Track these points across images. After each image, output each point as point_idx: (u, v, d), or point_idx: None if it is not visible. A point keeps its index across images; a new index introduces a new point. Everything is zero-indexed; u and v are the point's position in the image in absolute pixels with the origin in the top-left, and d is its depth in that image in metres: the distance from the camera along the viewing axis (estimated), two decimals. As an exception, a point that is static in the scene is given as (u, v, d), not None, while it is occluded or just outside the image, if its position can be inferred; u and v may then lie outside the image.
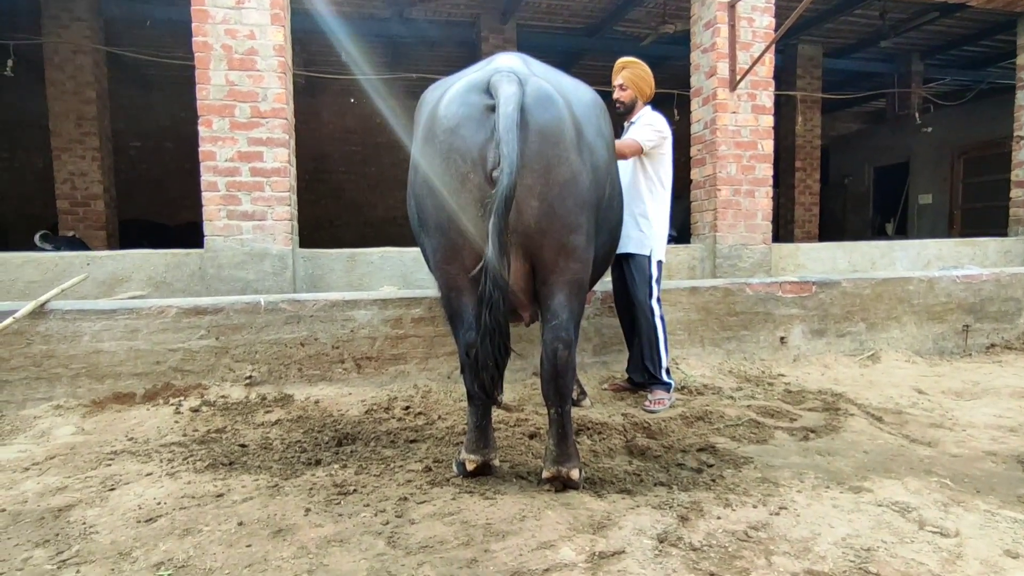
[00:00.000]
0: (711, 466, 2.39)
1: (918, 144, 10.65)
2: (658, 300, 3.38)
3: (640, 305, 3.33)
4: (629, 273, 3.38)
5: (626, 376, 3.61)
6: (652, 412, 3.11)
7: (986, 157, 9.81)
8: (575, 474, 2.08)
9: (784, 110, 9.62)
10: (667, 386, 3.33)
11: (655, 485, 2.20)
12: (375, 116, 11.66)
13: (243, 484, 2.12)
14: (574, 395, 3.18)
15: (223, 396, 3.12)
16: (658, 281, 3.38)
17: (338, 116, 11.46)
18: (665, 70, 8.88)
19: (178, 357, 3.13)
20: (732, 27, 4.77)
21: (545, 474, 2.11)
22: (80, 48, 6.48)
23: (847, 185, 12.26)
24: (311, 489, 2.09)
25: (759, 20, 4.93)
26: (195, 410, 2.94)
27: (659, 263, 3.38)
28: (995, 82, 10.30)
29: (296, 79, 9.67)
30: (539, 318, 2.29)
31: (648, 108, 3.44)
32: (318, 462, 2.37)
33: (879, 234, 11.26)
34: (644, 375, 3.36)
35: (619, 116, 3.44)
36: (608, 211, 2.32)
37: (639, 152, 3.27)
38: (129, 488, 2.07)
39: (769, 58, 4.95)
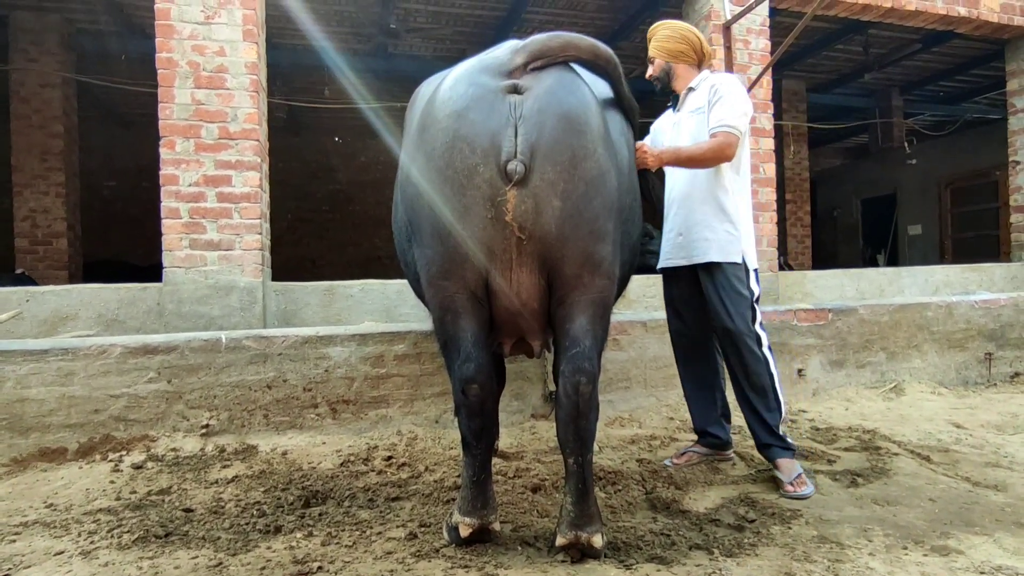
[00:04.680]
0: (753, 522, 2.00)
1: (904, 176, 10.67)
2: (762, 325, 2.45)
3: (737, 336, 2.36)
4: (711, 290, 2.43)
5: (695, 439, 2.72)
6: (799, 497, 2.21)
7: (973, 187, 9.83)
8: (597, 540, 1.68)
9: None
10: (791, 450, 2.39)
11: (691, 549, 1.80)
12: (359, 154, 11.48)
13: (177, 563, 1.68)
14: None
15: (173, 449, 2.67)
16: (758, 300, 2.47)
17: (321, 155, 11.25)
18: (660, 101, 8.82)
19: (121, 404, 2.70)
20: (728, 49, 4.62)
21: (560, 540, 1.70)
22: (48, 81, 6.19)
23: (836, 217, 12.23)
24: (264, 568, 1.66)
25: (755, 42, 4.80)
26: (138, 467, 2.49)
27: (755, 273, 2.49)
28: (976, 116, 10.42)
29: (278, 117, 9.46)
30: (550, 347, 1.92)
31: (707, 73, 2.55)
32: (278, 529, 1.94)
33: (871, 265, 11.15)
34: (763, 433, 2.40)
35: (659, 101, 2.70)
36: (629, 224, 1.99)
37: (735, 144, 2.31)
38: (27, 574, 1.62)
39: (767, 80, 4.79)
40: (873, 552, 1.73)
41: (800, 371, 3.93)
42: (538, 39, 1.73)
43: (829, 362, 3.98)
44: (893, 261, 11.05)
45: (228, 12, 3.55)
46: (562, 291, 1.70)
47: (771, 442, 2.38)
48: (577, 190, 1.62)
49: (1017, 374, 4.48)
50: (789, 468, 2.32)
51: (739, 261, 2.44)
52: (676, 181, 2.55)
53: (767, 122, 4.81)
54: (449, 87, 1.70)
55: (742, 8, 4.52)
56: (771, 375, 2.41)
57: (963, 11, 5.27)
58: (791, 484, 2.26)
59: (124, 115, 9.47)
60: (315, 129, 10.71)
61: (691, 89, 2.54)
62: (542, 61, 1.71)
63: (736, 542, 1.83)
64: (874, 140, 11.11)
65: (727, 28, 4.57)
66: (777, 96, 9.49)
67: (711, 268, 2.44)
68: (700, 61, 2.56)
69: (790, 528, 1.93)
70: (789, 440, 2.42)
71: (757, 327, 2.43)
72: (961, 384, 4.28)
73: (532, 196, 1.60)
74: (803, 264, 9.83)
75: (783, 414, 2.43)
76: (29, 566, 1.70)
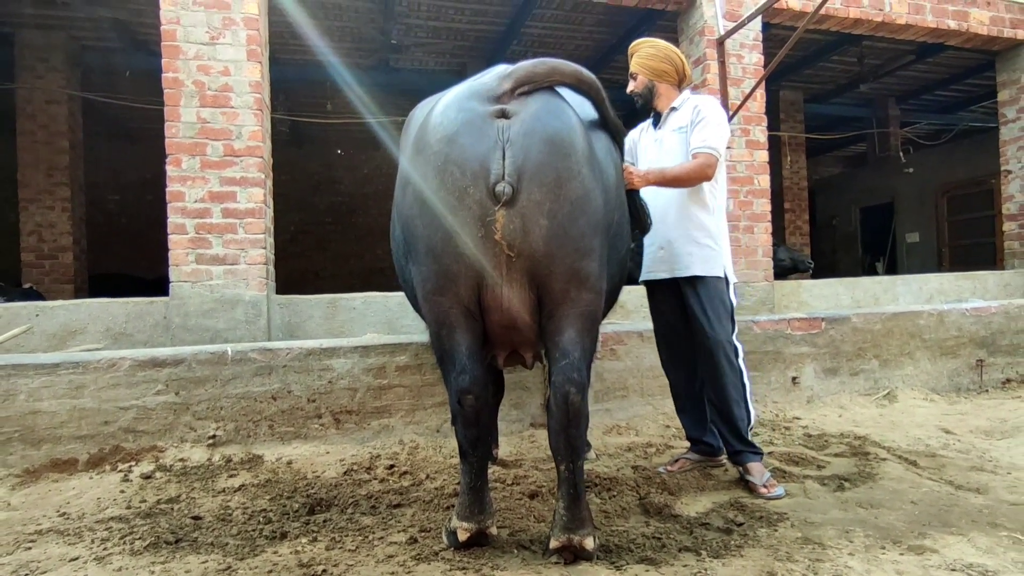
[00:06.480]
0: (741, 525, 2.07)
1: (901, 184, 10.76)
2: (739, 337, 2.61)
3: (715, 345, 2.49)
4: (694, 303, 2.54)
5: (688, 446, 2.80)
6: (774, 497, 2.34)
7: (969, 195, 9.91)
8: (589, 543, 1.75)
9: (770, 153, 9.69)
10: (760, 454, 2.54)
11: (680, 551, 1.87)
12: (362, 166, 11.62)
13: (187, 568, 1.76)
14: None
15: (181, 459, 2.75)
16: (735, 312, 2.62)
17: (324, 167, 11.38)
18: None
19: (130, 416, 2.78)
20: (722, 63, 4.72)
21: (553, 543, 1.78)
22: (53, 98, 6.32)
23: (835, 226, 12.31)
24: (271, 571, 1.73)
25: (748, 56, 4.90)
26: (147, 477, 2.57)
27: (734, 286, 2.65)
28: (973, 124, 10.52)
29: (281, 130, 9.59)
30: (542, 359, 2.01)
31: (688, 93, 2.67)
32: (284, 535, 2.02)
33: (869, 273, 11.21)
34: (735, 441, 2.52)
35: (637, 114, 2.78)
36: (617, 240, 2.08)
37: (715, 165, 2.44)
38: (44, 579, 1.71)
39: (760, 94, 4.89)
40: (853, 552, 1.80)
41: (794, 379, 4.00)
42: (524, 65, 1.82)
43: (823, 370, 4.05)
44: (892, 269, 11.12)
45: (232, 33, 3.67)
46: (551, 305, 1.78)
47: (742, 448, 2.51)
48: (563, 210, 1.71)
49: (1008, 380, 4.53)
50: (760, 471, 2.46)
51: (721, 275, 2.58)
52: (657, 197, 2.63)
53: (761, 134, 4.91)
54: (440, 112, 1.80)
55: (735, 23, 4.63)
56: (744, 385, 2.57)
57: (953, 24, 5.38)
58: (764, 486, 2.39)
59: (129, 130, 9.61)
60: (318, 142, 10.84)
61: (674, 108, 2.66)
62: (529, 86, 1.80)
63: (723, 544, 1.90)
64: (871, 149, 11.22)
65: (721, 43, 4.68)
66: (775, 106, 9.62)
67: (694, 281, 2.56)
68: (681, 81, 2.68)
69: (776, 530, 2.00)
70: (757, 445, 2.57)
71: (735, 338, 2.58)
72: (953, 390, 4.34)
73: (520, 216, 1.69)
74: (802, 273, 9.91)
75: (752, 421, 2.58)
76: (46, 572, 1.78)
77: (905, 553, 1.79)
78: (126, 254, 9.75)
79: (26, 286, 5.45)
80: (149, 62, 6.64)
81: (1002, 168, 6.33)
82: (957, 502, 2.22)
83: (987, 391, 4.40)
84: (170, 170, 3.58)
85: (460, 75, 8.14)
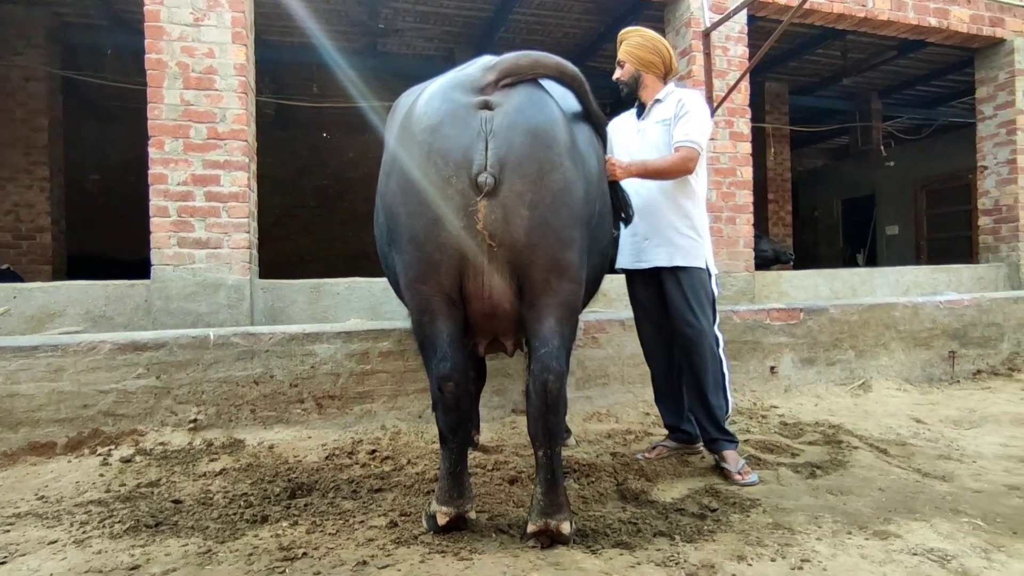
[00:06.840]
0: (715, 510, 2.13)
1: (882, 178, 10.90)
2: (720, 327, 2.65)
3: (698, 335, 2.53)
4: (677, 293, 2.57)
5: (666, 434, 2.84)
6: (748, 484, 2.39)
7: (947, 189, 10.07)
8: (566, 527, 1.80)
9: (755, 144, 9.76)
10: (735, 443, 2.59)
11: (655, 536, 1.92)
12: (348, 150, 11.50)
13: (167, 551, 1.77)
14: None
15: (162, 443, 2.75)
16: (715, 302, 2.67)
17: (310, 150, 11.26)
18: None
19: (110, 400, 2.77)
20: (707, 55, 4.74)
21: (531, 527, 1.82)
22: (32, 75, 6.18)
23: (817, 218, 12.46)
24: (251, 554, 1.76)
25: (733, 49, 4.92)
26: (126, 460, 2.57)
27: (715, 277, 2.69)
28: (952, 119, 10.67)
29: (266, 112, 9.45)
30: (523, 347, 2.04)
31: (672, 86, 2.69)
32: (265, 519, 2.04)
33: (850, 264, 11.39)
34: (712, 429, 2.56)
35: (622, 103, 2.79)
36: (598, 230, 2.11)
37: (696, 159, 2.48)
38: (23, 562, 1.71)
39: (745, 86, 4.92)
40: (820, 537, 1.87)
41: (772, 368, 4.08)
42: (508, 58, 1.84)
43: (800, 360, 4.13)
44: (872, 261, 11.29)
45: (217, 14, 3.61)
46: (531, 295, 1.81)
47: (719, 436, 2.56)
48: (544, 200, 1.74)
49: (979, 371, 4.66)
50: (735, 459, 2.51)
51: (703, 266, 2.62)
52: (640, 188, 2.64)
53: (745, 126, 4.94)
54: (424, 102, 1.81)
55: (721, 16, 4.65)
56: (724, 374, 2.63)
57: (934, 22, 5.44)
58: (739, 473, 2.45)
59: (111, 109, 9.42)
60: (304, 124, 10.71)
61: (658, 100, 2.68)
62: (512, 78, 1.82)
63: (697, 529, 1.95)
64: (854, 142, 11.35)
65: (706, 35, 4.69)
66: (760, 98, 9.67)
67: (676, 272, 2.60)
68: (667, 73, 2.70)
69: (748, 516, 2.06)
70: (733, 433, 2.63)
71: (716, 328, 2.63)
72: (926, 381, 4.45)
73: (501, 206, 1.71)
74: (784, 263, 10.03)
75: (729, 410, 2.64)
76: (25, 554, 1.78)
77: (870, 538, 1.85)
78: (107, 235, 9.59)
79: (3, 267, 5.36)
80: (132, 41, 6.46)
81: (978, 164, 6.45)
82: (923, 489, 2.30)
83: (958, 382, 4.52)
84: (152, 152, 3.53)
85: (448, 60, 8.07)
